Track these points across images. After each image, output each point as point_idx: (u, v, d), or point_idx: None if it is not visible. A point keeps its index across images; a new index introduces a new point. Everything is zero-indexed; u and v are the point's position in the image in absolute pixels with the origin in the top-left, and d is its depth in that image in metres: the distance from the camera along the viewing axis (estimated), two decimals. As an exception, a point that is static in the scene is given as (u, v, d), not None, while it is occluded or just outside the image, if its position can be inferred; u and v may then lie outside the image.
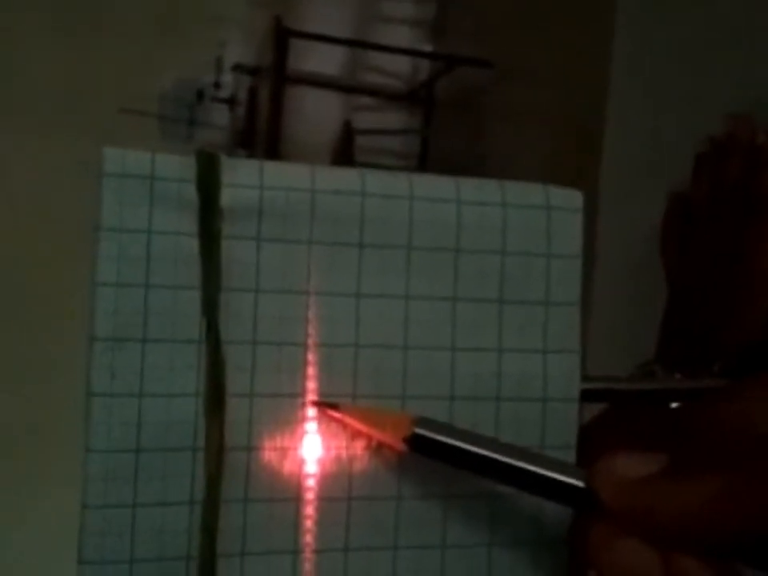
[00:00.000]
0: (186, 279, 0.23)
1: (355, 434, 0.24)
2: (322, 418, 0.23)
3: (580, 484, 0.21)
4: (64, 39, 1.99)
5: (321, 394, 0.24)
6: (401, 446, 0.23)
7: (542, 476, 0.21)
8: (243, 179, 0.23)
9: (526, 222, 0.25)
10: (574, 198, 0.25)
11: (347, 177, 0.24)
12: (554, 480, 0.21)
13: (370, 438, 0.24)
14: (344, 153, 1.74)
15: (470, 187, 0.25)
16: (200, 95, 2.09)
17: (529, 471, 0.22)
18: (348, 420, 0.23)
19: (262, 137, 1.87)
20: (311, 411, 0.23)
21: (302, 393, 0.23)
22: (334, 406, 0.23)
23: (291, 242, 0.23)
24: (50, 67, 1.97)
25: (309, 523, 0.24)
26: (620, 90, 0.74)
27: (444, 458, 0.23)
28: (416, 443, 0.22)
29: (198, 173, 0.23)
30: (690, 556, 0.19)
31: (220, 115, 2.08)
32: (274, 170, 0.23)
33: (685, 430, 0.22)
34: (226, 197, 0.23)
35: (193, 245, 0.23)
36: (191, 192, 0.23)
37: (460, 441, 0.22)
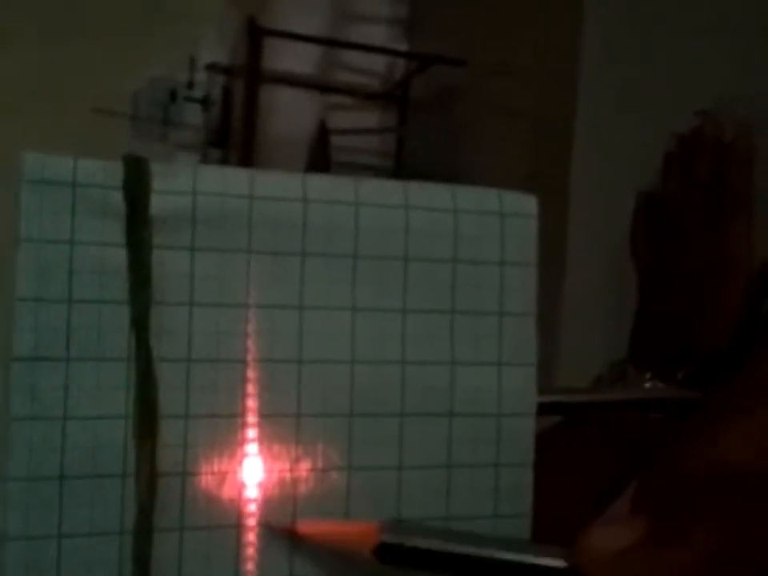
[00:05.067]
0: (112, 292, 0.21)
1: (321, 552, 0.22)
2: (278, 539, 0.22)
3: (561, 564, 0.20)
4: (35, 38, 1.96)
5: (262, 413, 0.22)
6: (371, 559, 0.21)
7: (523, 564, 0.20)
8: (174, 185, 0.22)
9: (478, 229, 0.23)
10: (529, 204, 0.24)
11: (288, 182, 0.23)
12: (536, 566, 0.20)
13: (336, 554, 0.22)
14: (319, 152, 1.72)
15: (420, 192, 0.23)
16: (173, 95, 2.07)
17: (509, 561, 0.20)
18: (310, 539, 0.22)
19: (237, 136, 1.85)
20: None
21: (242, 412, 0.22)
22: (292, 530, 0.22)
23: (228, 252, 0.22)
24: (20, 66, 1.94)
25: (250, 551, 0.22)
26: (590, 88, 0.74)
27: (416, 564, 0.21)
28: (385, 552, 0.21)
29: (124, 178, 0.21)
30: None
31: (194, 115, 2.05)
32: (208, 176, 0.22)
33: (663, 472, 0.21)
34: (156, 204, 0.21)
35: (120, 255, 0.21)
36: (118, 199, 0.21)
37: (431, 542, 0.21)
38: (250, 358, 0.22)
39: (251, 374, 0.22)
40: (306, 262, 0.22)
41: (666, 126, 0.49)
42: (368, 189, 0.23)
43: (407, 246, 0.23)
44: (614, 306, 0.59)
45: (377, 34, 1.95)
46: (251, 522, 0.22)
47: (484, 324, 0.23)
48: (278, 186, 0.22)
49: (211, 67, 2.00)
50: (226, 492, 0.22)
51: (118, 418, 0.21)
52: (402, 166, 1.83)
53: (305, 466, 0.22)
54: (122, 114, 1.95)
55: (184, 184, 0.22)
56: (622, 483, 0.40)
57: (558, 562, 0.20)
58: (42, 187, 0.21)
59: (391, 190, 0.23)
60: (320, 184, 0.23)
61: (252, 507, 0.22)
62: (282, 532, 0.22)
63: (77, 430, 0.21)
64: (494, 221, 0.23)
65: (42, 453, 0.20)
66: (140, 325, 0.21)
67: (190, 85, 2.00)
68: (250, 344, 0.22)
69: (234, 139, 1.86)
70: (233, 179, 0.22)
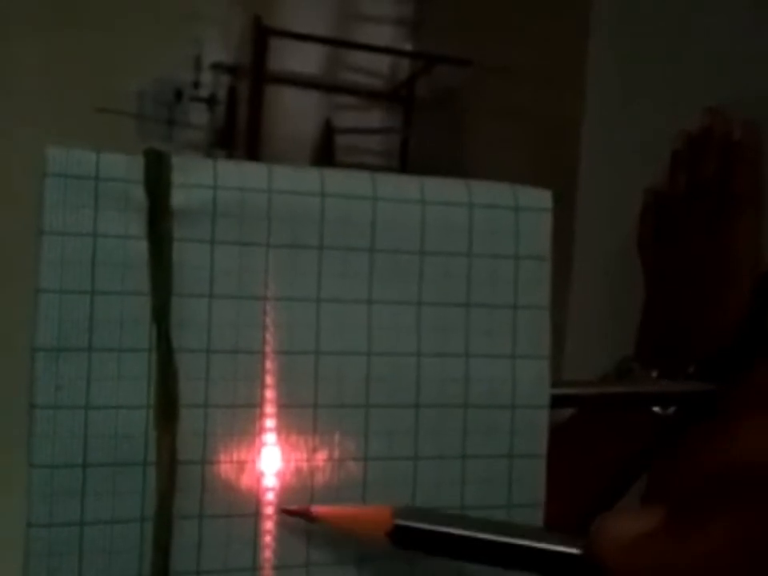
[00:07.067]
0: (134, 284, 0.21)
1: (335, 536, 0.22)
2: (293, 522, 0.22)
3: (577, 551, 0.20)
4: (40, 37, 1.96)
5: (280, 403, 0.23)
6: (384, 542, 0.21)
7: (537, 550, 0.20)
8: (195, 179, 0.22)
9: (492, 223, 0.24)
10: (543, 198, 0.24)
11: (306, 176, 0.23)
12: (551, 552, 0.20)
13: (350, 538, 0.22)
14: (324, 152, 1.73)
15: (435, 187, 0.24)
16: (179, 94, 2.07)
17: (523, 547, 0.20)
18: (325, 522, 0.22)
19: (242, 136, 1.86)
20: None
21: (260, 403, 0.22)
22: (307, 512, 0.22)
23: (247, 245, 0.22)
24: (25, 65, 1.94)
25: (268, 539, 0.22)
26: (597, 87, 0.74)
27: (430, 548, 0.21)
28: (399, 535, 0.21)
29: (146, 172, 0.21)
30: None
31: (199, 114, 2.05)
32: (228, 170, 0.22)
33: (678, 467, 0.21)
34: (177, 197, 0.22)
35: (141, 248, 0.21)
36: (139, 193, 0.21)
37: (445, 526, 0.21)
38: (268, 349, 0.22)
39: (269, 365, 0.22)
40: (323, 256, 0.23)
41: (673, 125, 0.50)
42: (385, 183, 0.23)
43: (423, 240, 0.23)
44: (620, 304, 0.59)
45: (382, 35, 1.96)
46: (269, 510, 0.22)
47: (498, 317, 0.24)
48: (297, 181, 0.23)
49: (216, 67, 2.00)
50: (245, 480, 0.22)
51: (139, 407, 0.21)
52: (407, 165, 1.84)
53: (322, 456, 0.23)
54: (127, 114, 1.96)
55: (204, 178, 0.22)
56: (630, 478, 0.40)
57: (572, 549, 0.20)
58: (65, 181, 0.21)
59: (408, 184, 0.24)
60: (337, 178, 0.23)
61: (270, 496, 0.22)
62: (296, 514, 0.22)
63: (99, 419, 0.21)
64: (508, 215, 0.24)
65: (65, 441, 0.21)
66: (160, 316, 0.22)
67: (196, 84, 2.01)
68: (268, 336, 0.22)
69: (239, 139, 1.86)
70: (252, 173, 0.22)
